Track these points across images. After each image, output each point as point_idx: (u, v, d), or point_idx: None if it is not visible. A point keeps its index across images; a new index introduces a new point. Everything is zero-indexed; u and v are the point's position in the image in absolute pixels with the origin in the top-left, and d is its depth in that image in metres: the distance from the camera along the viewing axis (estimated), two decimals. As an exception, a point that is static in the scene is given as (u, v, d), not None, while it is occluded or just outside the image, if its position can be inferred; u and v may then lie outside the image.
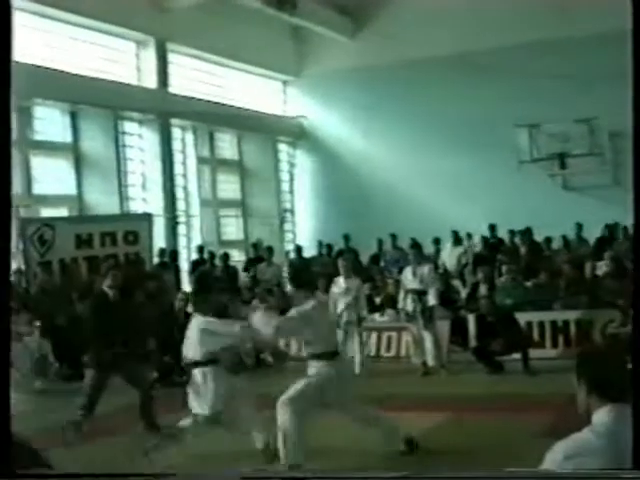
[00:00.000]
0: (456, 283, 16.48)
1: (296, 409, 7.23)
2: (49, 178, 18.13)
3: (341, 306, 13.15)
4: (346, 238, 19.36)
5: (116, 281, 9.54)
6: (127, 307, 9.64)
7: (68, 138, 18.58)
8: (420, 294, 12.90)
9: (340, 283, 13.28)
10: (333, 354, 7.65)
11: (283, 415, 7.24)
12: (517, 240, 18.12)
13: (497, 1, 20.99)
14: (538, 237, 17.86)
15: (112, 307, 9.36)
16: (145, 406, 9.24)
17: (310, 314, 7.50)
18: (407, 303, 13.07)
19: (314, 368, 7.59)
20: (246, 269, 18.74)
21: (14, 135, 16.92)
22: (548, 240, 17.79)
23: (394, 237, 19.02)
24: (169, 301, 14.51)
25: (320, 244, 19.88)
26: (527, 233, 17.83)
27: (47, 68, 16.88)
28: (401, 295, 13.31)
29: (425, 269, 13.15)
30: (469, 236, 18.90)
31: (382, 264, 18.68)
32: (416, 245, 14.10)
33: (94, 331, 9.48)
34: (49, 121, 18.28)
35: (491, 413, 9.58)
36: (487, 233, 18.59)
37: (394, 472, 6.85)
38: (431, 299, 12.89)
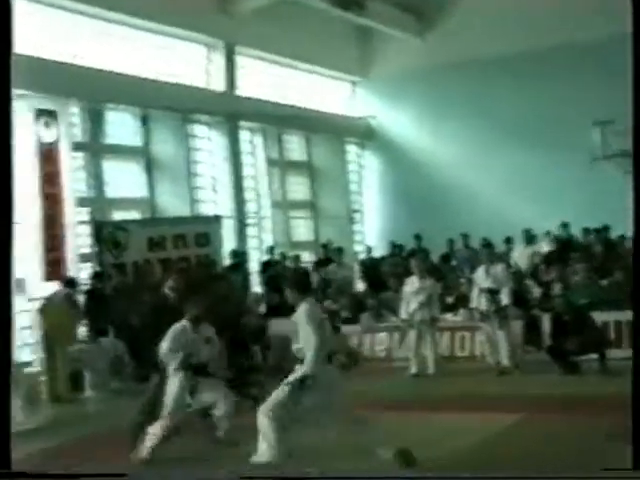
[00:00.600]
0: (529, 282, 16.24)
1: (273, 417, 7.13)
2: (121, 181, 18.37)
3: (413, 306, 13.17)
4: (418, 238, 19.24)
5: (178, 284, 9.53)
6: None
7: (139, 142, 18.82)
8: (493, 293, 12.82)
9: (414, 283, 13.27)
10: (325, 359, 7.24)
11: (261, 422, 7.18)
12: (591, 238, 17.79)
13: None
14: (612, 235, 17.51)
15: (171, 310, 9.08)
16: None
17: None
18: (481, 302, 12.99)
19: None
20: (315, 270, 18.72)
21: (87, 139, 17.33)
22: (622, 238, 17.39)
23: (466, 237, 18.84)
24: (239, 302, 14.59)
25: (393, 244, 19.83)
26: (603, 231, 17.49)
27: (119, 73, 17.10)
28: (474, 294, 13.23)
29: (498, 268, 13.13)
30: (548, 233, 18.55)
31: (453, 263, 18.52)
32: (488, 244, 14.03)
33: (153, 333, 9.38)
34: (120, 125, 18.52)
35: (566, 414, 9.39)
36: (559, 231, 18.31)
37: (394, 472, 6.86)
38: (504, 298, 12.79)
